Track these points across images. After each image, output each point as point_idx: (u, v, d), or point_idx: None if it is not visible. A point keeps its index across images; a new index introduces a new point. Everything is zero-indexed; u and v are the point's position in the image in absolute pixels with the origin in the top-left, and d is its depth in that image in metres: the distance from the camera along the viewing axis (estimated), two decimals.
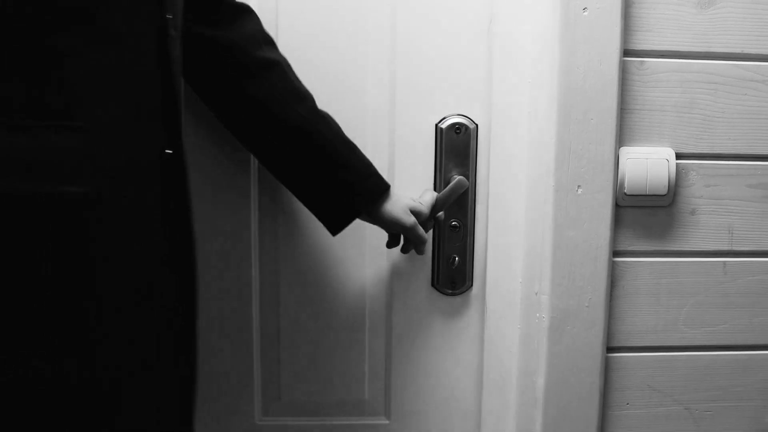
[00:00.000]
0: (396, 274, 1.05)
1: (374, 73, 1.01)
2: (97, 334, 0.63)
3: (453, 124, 1.00)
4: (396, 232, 0.95)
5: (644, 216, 0.95)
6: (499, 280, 1.01)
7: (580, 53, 0.89)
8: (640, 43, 0.91)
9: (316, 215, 0.90)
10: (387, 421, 1.08)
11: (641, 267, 0.96)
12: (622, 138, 0.93)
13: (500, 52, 0.98)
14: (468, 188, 1.00)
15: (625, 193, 0.93)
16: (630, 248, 0.96)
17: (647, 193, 0.93)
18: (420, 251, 0.95)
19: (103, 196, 0.62)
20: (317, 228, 0.97)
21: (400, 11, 1.01)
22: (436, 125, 1.01)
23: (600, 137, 0.91)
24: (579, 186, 0.92)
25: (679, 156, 0.93)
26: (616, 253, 0.95)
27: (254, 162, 1.02)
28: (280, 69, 0.87)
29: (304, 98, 0.87)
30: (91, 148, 0.61)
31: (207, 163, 1.01)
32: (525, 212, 0.96)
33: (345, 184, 0.87)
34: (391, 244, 0.97)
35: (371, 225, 0.93)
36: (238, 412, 1.07)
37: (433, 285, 1.05)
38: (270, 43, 0.89)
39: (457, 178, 0.99)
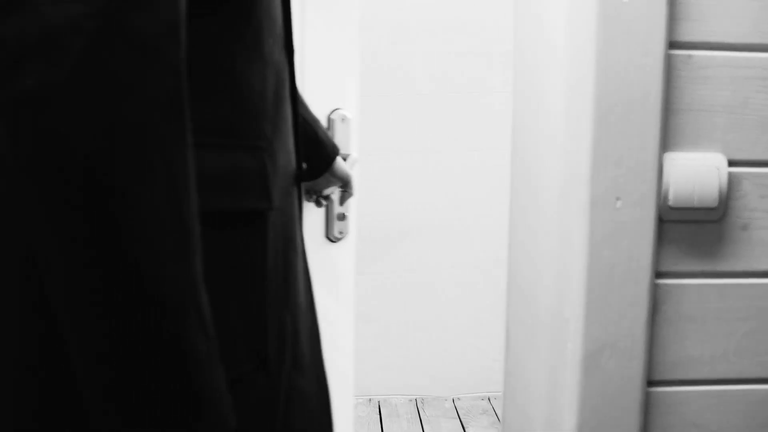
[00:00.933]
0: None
1: None
2: (293, 341, 0.70)
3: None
4: (340, 184, 1.09)
5: (691, 232, 0.83)
6: (521, 310, 0.90)
7: (620, 45, 0.78)
8: (687, 33, 0.79)
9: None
10: None
11: (687, 290, 0.84)
12: (666, 142, 0.81)
13: (527, 42, 0.86)
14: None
15: (669, 206, 0.81)
16: (674, 268, 0.84)
17: (695, 205, 0.81)
18: (351, 194, 1.13)
19: (276, 210, 0.68)
20: None
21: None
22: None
23: (642, 142, 0.79)
24: (618, 198, 0.80)
25: (730, 163, 0.82)
26: (658, 274, 0.83)
27: None
28: None
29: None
30: (270, 167, 0.66)
31: None
32: (554, 230, 0.84)
33: (327, 145, 1.01)
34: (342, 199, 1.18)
35: None
36: None
37: (326, 236, 1.25)
38: None
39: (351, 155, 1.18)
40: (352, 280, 1.34)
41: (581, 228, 0.81)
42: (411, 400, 2.81)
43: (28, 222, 0.49)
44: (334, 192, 1.18)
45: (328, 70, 1.24)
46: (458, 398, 2.82)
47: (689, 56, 0.80)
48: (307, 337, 0.74)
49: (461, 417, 2.68)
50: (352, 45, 1.26)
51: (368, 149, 2.76)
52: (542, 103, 0.85)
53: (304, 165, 0.94)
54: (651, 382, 0.86)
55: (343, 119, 1.27)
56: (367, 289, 2.80)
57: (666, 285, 0.84)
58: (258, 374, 0.66)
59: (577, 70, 0.80)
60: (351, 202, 1.27)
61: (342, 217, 1.33)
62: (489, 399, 2.82)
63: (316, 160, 1.00)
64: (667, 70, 0.79)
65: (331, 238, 1.31)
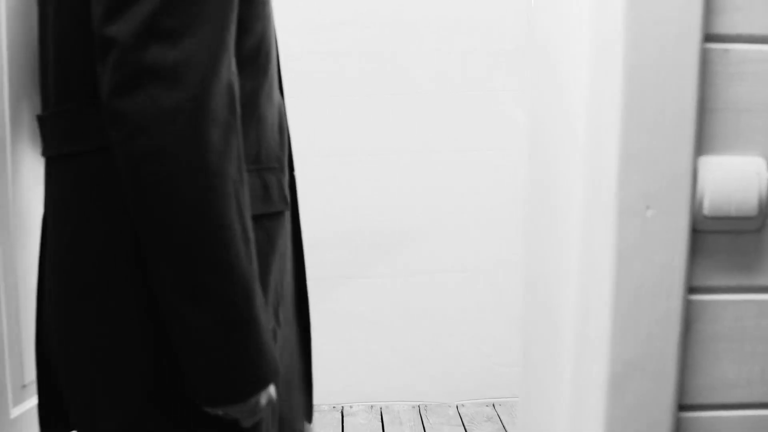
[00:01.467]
0: None
1: None
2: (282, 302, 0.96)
3: None
4: None
5: (727, 243, 0.76)
6: (540, 327, 0.82)
7: (650, 37, 0.70)
8: (724, 25, 0.72)
9: None
10: None
11: (722, 306, 0.77)
12: (700, 145, 0.74)
13: (545, 35, 0.79)
14: None
15: (704, 215, 0.74)
16: (709, 283, 0.76)
17: (732, 214, 0.74)
18: None
19: (286, 213, 0.94)
20: None
21: None
22: None
23: (675, 144, 0.72)
24: (648, 206, 0.73)
25: None
26: (691, 290, 0.76)
27: None
28: None
29: None
30: (284, 180, 0.92)
31: None
32: (577, 241, 0.77)
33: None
34: None
35: None
36: None
37: None
38: None
39: None
40: None
41: (607, 239, 0.74)
42: (414, 407, 2.75)
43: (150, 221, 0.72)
44: None
45: None
46: (462, 404, 2.76)
47: (726, 50, 0.73)
48: (291, 298, 1.01)
49: (465, 424, 2.61)
50: None
51: (369, 149, 2.70)
52: (562, 101, 0.78)
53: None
54: (682, 407, 0.79)
55: None
56: (367, 293, 2.74)
57: (700, 301, 0.77)
58: (276, 331, 0.90)
59: (602, 65, 0.72)
60: None
61: None
62: (494, 405, 2.75)
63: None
64: (702, 66, 0.72)
65: None
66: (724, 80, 0.73)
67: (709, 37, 0.72)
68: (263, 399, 0.79)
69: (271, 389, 0.80)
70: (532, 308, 0.88)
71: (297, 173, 1.07)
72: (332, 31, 2.63)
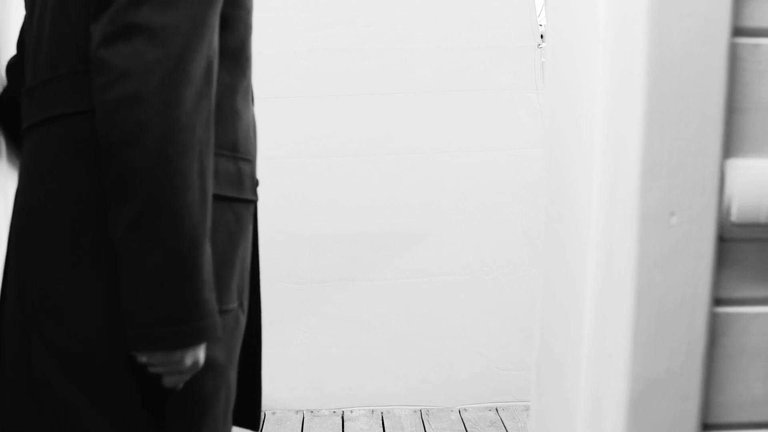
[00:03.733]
0: None
1: None
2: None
3: None
4: None
5: (757, 252, 0.71)
6: (554, 340, 0.78)
7: (676, 31, 0.65)
8: (756, 18, 0.67)
9: None
10: None
11: (750, 319, 0.72)
12: (728, 147, 0.69)
13: (561, 29, 0.74)
14: None
15: (732, 222, 0.69)
16: (736, 295, 0.72)
17: (762, 221, 0.69)
18: None
19: (255, 203, 1.00)
20: None
21: None
22: None
23: (701, 147, 0.67)
24: (672, 213, 0.68)
25: None
26: (717, 302, 0.71)
27: None
28: None
29: None
30: (255, 173, 0.98)
31: None
32: (595, 250, 0.72)
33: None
34: None
35: None
36: None
37: None
38: None
39: None
40: None
41: (628, 248, 0.69)
42: (415, 411, 2.70)
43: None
44: None
45: None
46: (465, 409, 2.71)
47: (757, 45, 0.68)
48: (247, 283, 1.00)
49: (468, 429, 2.57)
50: None
51: (371, 150, 2.65)
52: (581, 100, 0.73)
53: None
54: (707, 426, 0.74)
55: None
56: (368, 296, 2.69)
57: (726, 314, 0.72)
58: (239, 309, 0.95)
59: (623, 61, 0.67)
60: None
61: None
62: (497, 410, 2.70)
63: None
64: (730, 62, 0.67)
65: None
66: (754, 78, 0.68)
67: (738, 31, 0.67)
68: (188, 359, 0.80)
69: (200, 352, 0.82)
70: (546, 319, 0.83)
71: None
72: (333, 29, 2.59)
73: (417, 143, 2.64)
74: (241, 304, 0.95)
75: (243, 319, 0.97)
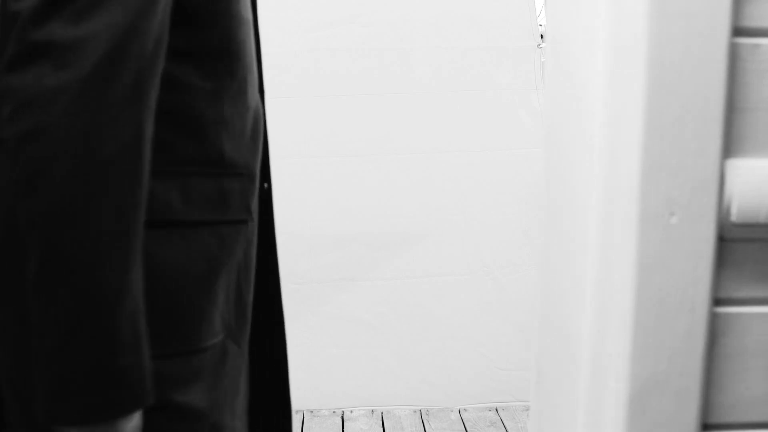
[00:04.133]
0: None
1: None
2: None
3: None
4: None
5: (757, 252, 0.71)
6: (554, 341, 0.78)
7: (675, 31, 0.65)
8: (756, 17, 0.67)
9: None
10: None
11: (751, 319, 0.72)
12: (729, 147, 0.69)
13: (561, 28, 0.74)
14: None
15: (732, 222, 0.69)
16: (736, 295, 0.72)
17: (762, 221, 0.69)
18: None
19: (249, 223, 0.89)
20: None
21: None
22: None
23: (701, 147, 0.67)
24: (672, 213, 0.68)
25: None
26: (717, 302, 0.71)
27: None
28: None
29: None
30: (250, 187, 0.88)
31: None
32: (595, 250, 0.72)
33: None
34: None
35: None
36: None
37: None
38: None
39: None
40: None
41: (628, 247, 0.69)
42: (415, 411, 2.70)
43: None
44: None
45: None
46: (464, 409, 2.71)
47: (757, 45, 0.68)
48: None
49: (468, 429, 2.57)
50: None
51: (371, 150, 2.65)
52: (581, 99, 0.73)
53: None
54: (707, 426, 0.74)
55: None
56: (368, 296, 2.69)
57: (726, 314, 0.72)
58: (228, 342, 0.86)
59: (623, 60, 0.67)
60: None
61: None
62: (497, 410, 2.70)
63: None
64: (730, 62, 0.67)
65: None
66: (754, 77, 0.68)
67: (738, 31, 0.67)
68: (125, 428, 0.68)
69: (131, 424, 0.69)
70: (545, 319, 0.83)
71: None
72: (333, 29, 2.58)
73: (417, 143, 2.64)
74: (230, 335, 0.86)
75: (236, 349, 0.87)
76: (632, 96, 0.67)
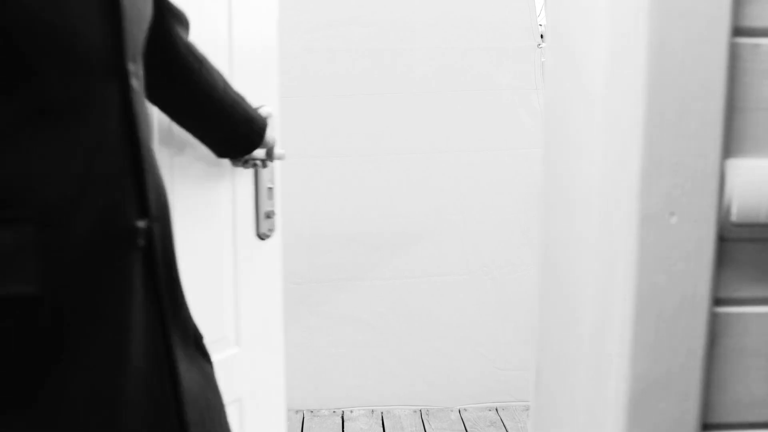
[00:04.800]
0: (237, 227, 1.31)
1: None
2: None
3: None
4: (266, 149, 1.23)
5: (757, 252, 0.71)
6: (554, 341, 0.77)
7: (676, 31, 0.65)
8: (756, 17, 0.67)
9: (230, 155, 1.20)
10: (239, 349, 1.32)
11: (751, 319, 0.72)
12: (729, 147, 0.69)
13: (561, 27, 0.74)
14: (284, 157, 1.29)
15: (732, 222, 0.69)
16: (736, 295, 0.72)
17: (762, 221, 0.69)
18: (265, 165, 1.29)
19: (59, 293, 0.60)
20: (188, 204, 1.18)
21: None
22: None
23: (701, 146, 0.67)
24: (672, 213, 0.68)
25: None
26: (717, 301, 0.71)
27: None
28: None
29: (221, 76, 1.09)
30: (42, 239, 0.59)
31: None
32: (595, 250, 0.72)
33: (252, 133, 1.16)
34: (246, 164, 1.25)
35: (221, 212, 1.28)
36: None
37: (257, 234, 1.33)
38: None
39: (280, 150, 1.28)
40: (280, 275, 1.40)
41: (628, 247, 0.69)
42: (415, 411, 2.70)
43: None
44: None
45: (253, 68, 1.29)
46: (464, 409, 2.71)
47: (757, 45, 0.68)
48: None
49: (468, 429, 2.56)
50: (273, 42, 1.32)
51: (370, 150, 2.64)
52: (579, 100, 0.73)
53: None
54: (707, 426, 0.74)
55: (269, 116, 1.28)
56: (368, 296, 2.69)
57: (726, 314, 0.72)
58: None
59: (623, 60, 0.67)
60: (277, 200, 1.37)
61: (270, 214, 1.38)
62: (497, 410, 2.70)
63: (251, 135, 1.15)
64: (730, 62, 0.67)
65: (260, 235, 1.36)
66: (754, 77, 0.68)
67: (738, 31, 0.67)
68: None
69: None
70: (545, 319, 0.83)
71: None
72: (332, 29, 2.58)
73: (417, 143, 2.64)
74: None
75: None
76: (632, 96, 0.67)
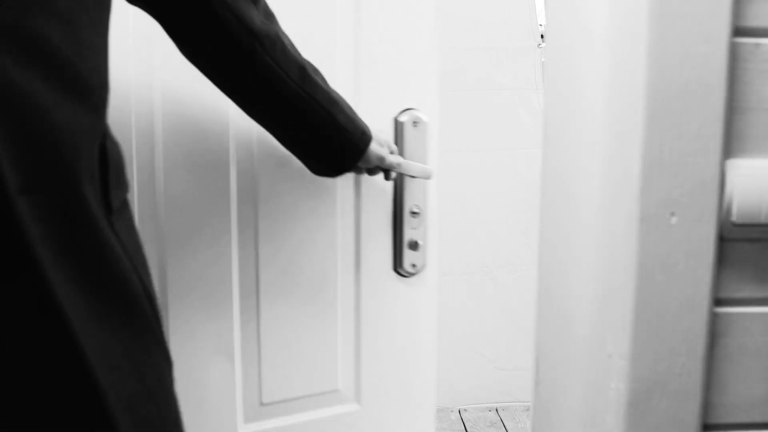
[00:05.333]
0: (365, 259, 1.09)
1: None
2: None
3: (411, 118, 1.06)
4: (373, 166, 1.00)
5: (757, 252, 0.71)
6: (554, 341, 0.77)
7: (676, 31, 0.65)
8: (756, 17, 0.67)
9: (318, 172, 0.98)
10: (359, 407, 1.12)
11: (751, 319, 0.72)
12: (729, 147, 0.68)
13: (560, 26, 0.74)
14: (431, 176, 1.05)
15: (733, 222, 0.69)
16: (737, 295, 0.71)
17: (763, 221, 0.69)
18: (388, 177, 1.02)
19: None
20: (292, 226, 1.04)
21: None
22: (395, 118, 1.06)
23: (702, 146, 0.67)
24: (673, 213, 0.68)
25: None
26: (718, 302, 0.71)
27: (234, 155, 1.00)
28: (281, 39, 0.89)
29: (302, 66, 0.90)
30: None
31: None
32: (595, 250, 0.72)
33: (339, 145, 0.94)
34: (372, 173, 1.02)
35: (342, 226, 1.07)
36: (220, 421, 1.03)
37: (394, 269, 1.08)
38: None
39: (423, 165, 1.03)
40: (433, 322, 1.12)
41: (628, 248, 0.69)
42: None
43: None
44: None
45: (395, 61, 1.05)
46: (465, 409, 2.71)
47: (758, 45, 0.67)
48: None
49: (468, 429, 2.56)
50: (427, 28, 1.06)
51: None
52: (581, 99, 0.73)
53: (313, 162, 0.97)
54: (707, 426, 0.74)
55: (416, 122, 1.05)
56: None
57: (727, 314, 0.72)
58: None
59: (623, 60, 0.67)
60: (429, 228, 1.08)
61: (414, 245, 1.07)
62: (497, 410, 2.70)
63: (336, 147, 0.94)
64: (731, 62, 0.67)
65: (401, 272, 1.08)
66: (755, 77, 0.68)
67: (738, 31, 0.67)
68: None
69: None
70: (545, 319, 0.83)
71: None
72: None
73: None
74: None
75: None
76: (633, 96, 0.67)
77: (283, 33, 0.88)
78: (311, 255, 1.05)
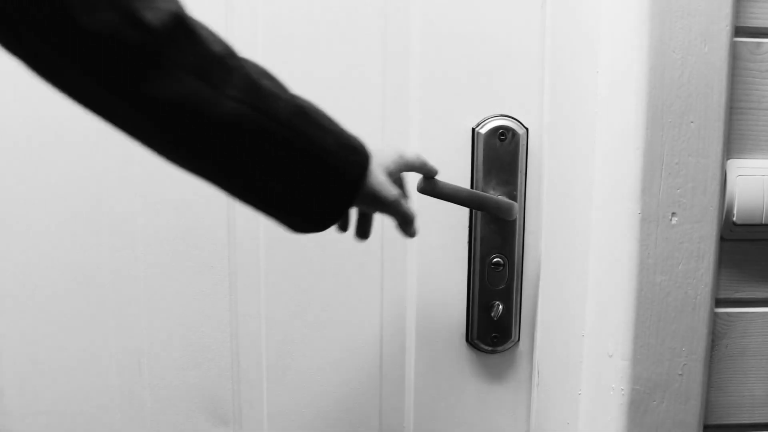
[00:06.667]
0: (420, 325, 0.82)
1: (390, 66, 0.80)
2: None
3: (496, 129, 0.78)
4: (371, 212, 0.70)
5: (758, 252, 0.71)
6: (554, 341, 0.77)
7: (677, 31, 0.65)
8: (757, 17, 0.67)
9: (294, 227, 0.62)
10: None
11: (752, 320, 0.72)
12: (730, 147, 0.68)
13: (560, 27, 0.74)
14: (516, 215, 0.78)
15: (733, 222, 0.69)
16: (737, 295, 0.71)
17: (763, 222, 0.68)
18: (409, 233, 0.68)
19: None
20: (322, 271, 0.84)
21: None
22: (473, 129, 0.79)
23: (702, 146, 0.67)
24: (673, 213, 0.68)
25: None
26: (718, 302, 0.71)
27: None
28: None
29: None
30: None
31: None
32: (596, 250, 0.71)
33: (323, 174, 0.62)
34: (343, 228, 0.74)
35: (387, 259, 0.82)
36: None
37: (468, 340, 0.82)
38: None
39: (505, 199, 0.78)
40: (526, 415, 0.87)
41: (629, 248, 0.69)
42: None
43: None
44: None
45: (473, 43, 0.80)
46: None
47: (758, 44, 0.67)
48: None
49: None
50: None
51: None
52: (581, 100, 0.73)
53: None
54: (708, 427, 0.73)
55: (504, 136, 0.78)
56: None
57: (727, 314, 0.72)
58: None
59: (624, 60, 0.67)
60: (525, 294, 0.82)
61: (495, 309, 0.81)
62: None
63: (317, 178, 0.61)
64: (732, 62, 0.67)
65: (475, 344, 0.82)
66: (756, 77, 0.68)
67: (739, 30, 0.67)
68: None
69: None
70: (547, 320, 0.83)
71: None
72: None
73: None
74: None
75: None
76: (633, 95, 0.67)
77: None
78: (345, 309, 0.84)
